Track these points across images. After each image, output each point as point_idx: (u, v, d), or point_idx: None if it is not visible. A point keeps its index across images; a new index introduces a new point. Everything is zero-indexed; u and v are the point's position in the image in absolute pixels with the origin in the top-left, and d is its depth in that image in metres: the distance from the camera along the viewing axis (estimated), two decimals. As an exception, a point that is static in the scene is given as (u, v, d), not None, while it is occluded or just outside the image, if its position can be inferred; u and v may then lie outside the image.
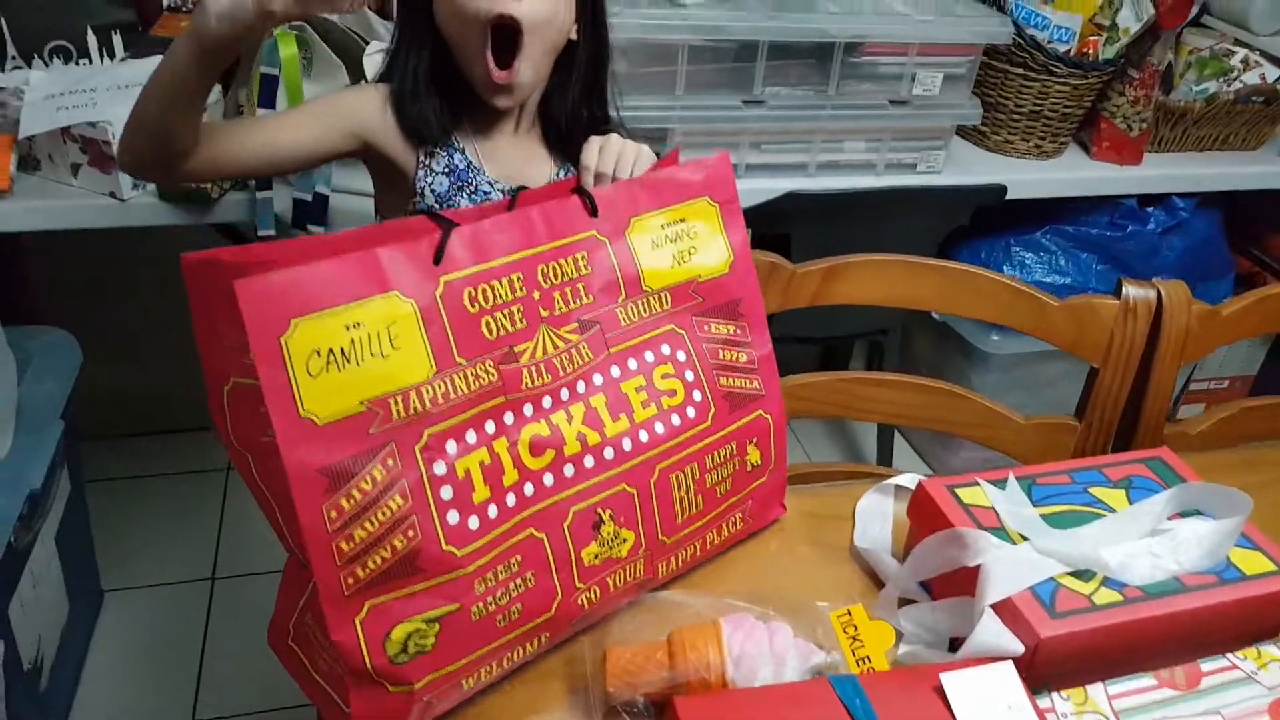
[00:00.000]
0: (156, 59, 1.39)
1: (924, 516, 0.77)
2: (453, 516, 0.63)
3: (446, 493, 0.63)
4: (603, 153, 0.89)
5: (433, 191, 1.01)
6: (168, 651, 1.62)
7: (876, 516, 0.86)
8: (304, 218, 1.45)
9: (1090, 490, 0.78)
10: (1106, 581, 0.69)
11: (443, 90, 1.00)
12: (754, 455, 0.82)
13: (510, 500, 0.67)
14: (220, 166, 0.92)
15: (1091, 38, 1.80)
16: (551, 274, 0.72)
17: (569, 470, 0.70)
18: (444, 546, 0.63)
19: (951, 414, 1.10)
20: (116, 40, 1.48)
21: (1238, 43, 2.07)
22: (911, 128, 1.71)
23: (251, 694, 1.54)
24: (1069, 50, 1.78)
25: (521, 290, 0.69)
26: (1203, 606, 0.68)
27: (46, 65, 1.44)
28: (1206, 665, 0.66)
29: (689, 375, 0.78)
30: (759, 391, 0.83)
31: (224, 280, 0.57)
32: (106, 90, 1.36)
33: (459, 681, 0.66)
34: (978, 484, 0.78)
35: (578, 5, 1.00)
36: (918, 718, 0.60)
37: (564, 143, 1.06)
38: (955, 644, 0.70)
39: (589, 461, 0.71)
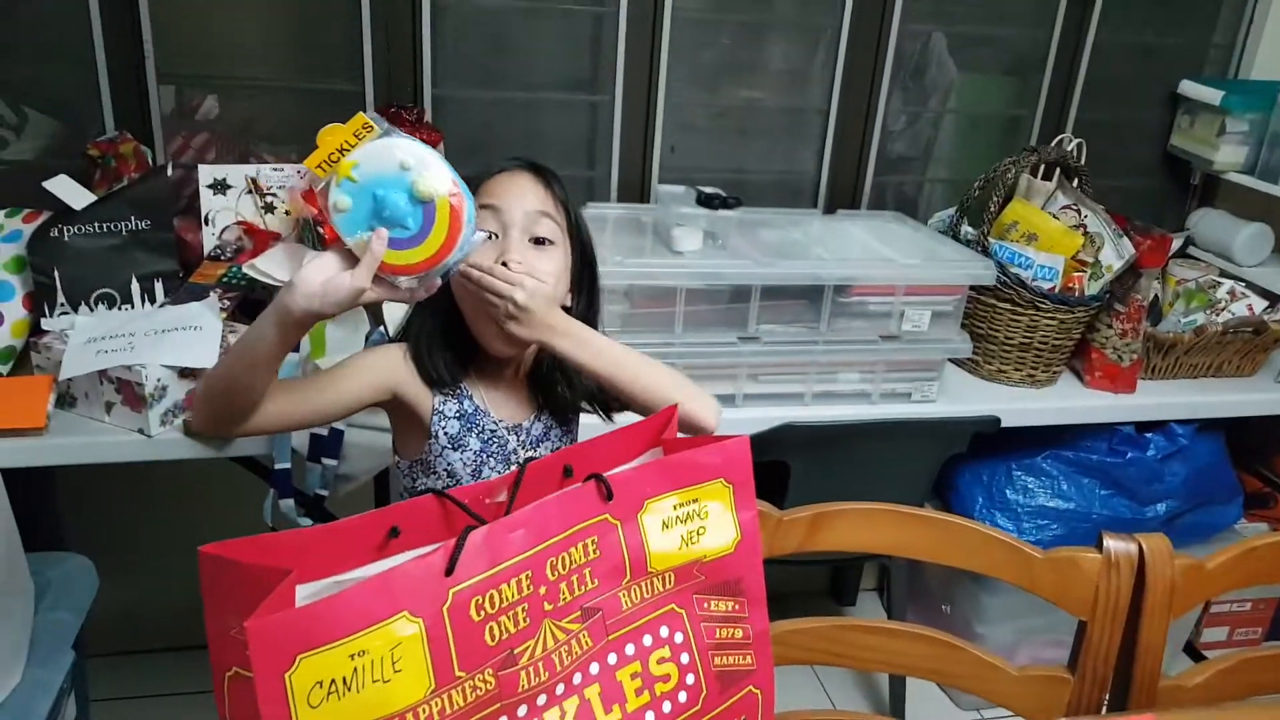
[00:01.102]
0: (192, 304, 1.53)
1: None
2: None
3: None
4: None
5: (446, 434, 1.08)
6: None
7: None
8: (320, 451, 1.52)
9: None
10: None
11: (453, 343, 1.10)
12: None
13: None
14: (277, 422, 1.01)
15: (1076, 274, 1.89)
16: (560, 565, 0.71)
17: None
18: None
19: (947, 665, 1.09)
20: (158, 287, 1.61)
21: (1223, 274, 2.16)
22: (903, 360, 1.79)
23: None
24: (1053, 287, 1.87)
25: (529, 589, 0.69)
26: None
27: (92, 310, 1.56)
28: None
29: (684, 658, 0.78)
30: (751, 667, 0.82)
31: (237, 577, 0.61)
32: (144, 335, 1.46)
33: None
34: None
35: (573, 275, 1.10)
36: None
37: (546, 390, 1.14)
38: None
39: None
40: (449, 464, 1.08)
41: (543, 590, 0.70)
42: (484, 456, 1.09)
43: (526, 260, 1.03)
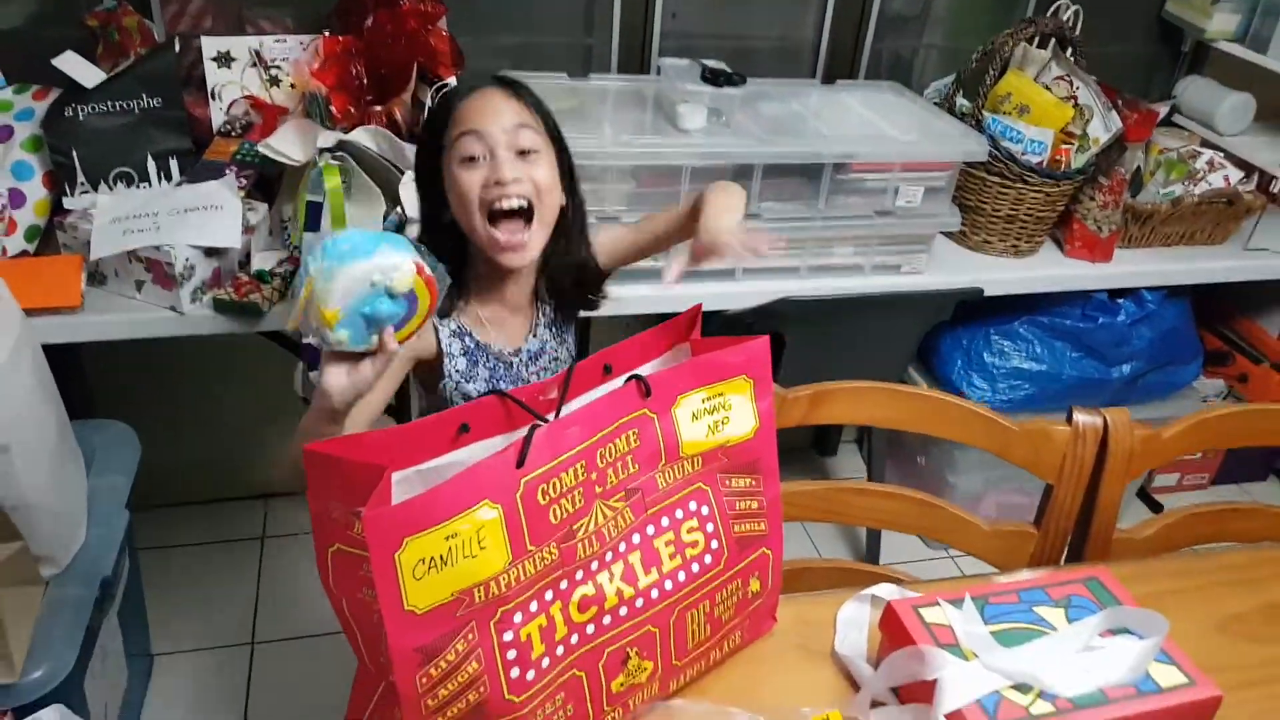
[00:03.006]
0: (210, 183, 1.58)
1: (892, 632, 0.91)
2: (514, 672, 0.77)
3: (511, 654, 0.77)
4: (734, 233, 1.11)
5: (457, 370, 1.14)
6: (214, 712, 1.75)
7: (855, 625, 0.99)
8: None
9: (1035, 609, 0.92)
10: (1042, 694, 0.83)
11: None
12: (754, 585, 0.94)
13: (560, 651, 0.80)
14: None
15: (1063, 146, 1.96)
16: (608, 454, 0.82)
17: (607, 620, 0.83)
18: (506, 696, 0.77)
19: (926, 520, 1.23)
20: (173, 165, 1.64)
21: (1204, 143, 2.23)
22: (896, 234, 1.87)
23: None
24: (1041, 161, 1.93)
25: (583, 475, 0.80)
26: (1123, 715, 0.81)
27: (111, 189, 1.59)
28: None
29: (709, 527, 0.89)
30: (764, 532, 0.95)
31: (337, 470, 0.72)
32: (168, 214, 1.51)
33: None
34: (939, 604, 0.91)
35: (561, 177, 1.13)
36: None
37: (559, 293, 1.20)
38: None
39: (624, 611, 0.83)
40: (465, 394, 1.15)
41: (594, 476, 0.81)
42: (494, 381, 1.16)
43: (519, 172, 1.05)
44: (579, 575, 0.81)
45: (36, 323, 1.37)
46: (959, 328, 2.10)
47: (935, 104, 2.05)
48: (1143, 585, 1.00)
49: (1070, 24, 2.03)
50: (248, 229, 1.57)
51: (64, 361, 1.41)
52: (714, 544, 0.89)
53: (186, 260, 1.48)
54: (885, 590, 1.02)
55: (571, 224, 1.17)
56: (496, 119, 1.06)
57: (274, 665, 1.84)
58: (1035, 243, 2.05)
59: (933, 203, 1.86)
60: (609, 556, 0.83)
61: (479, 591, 0.74)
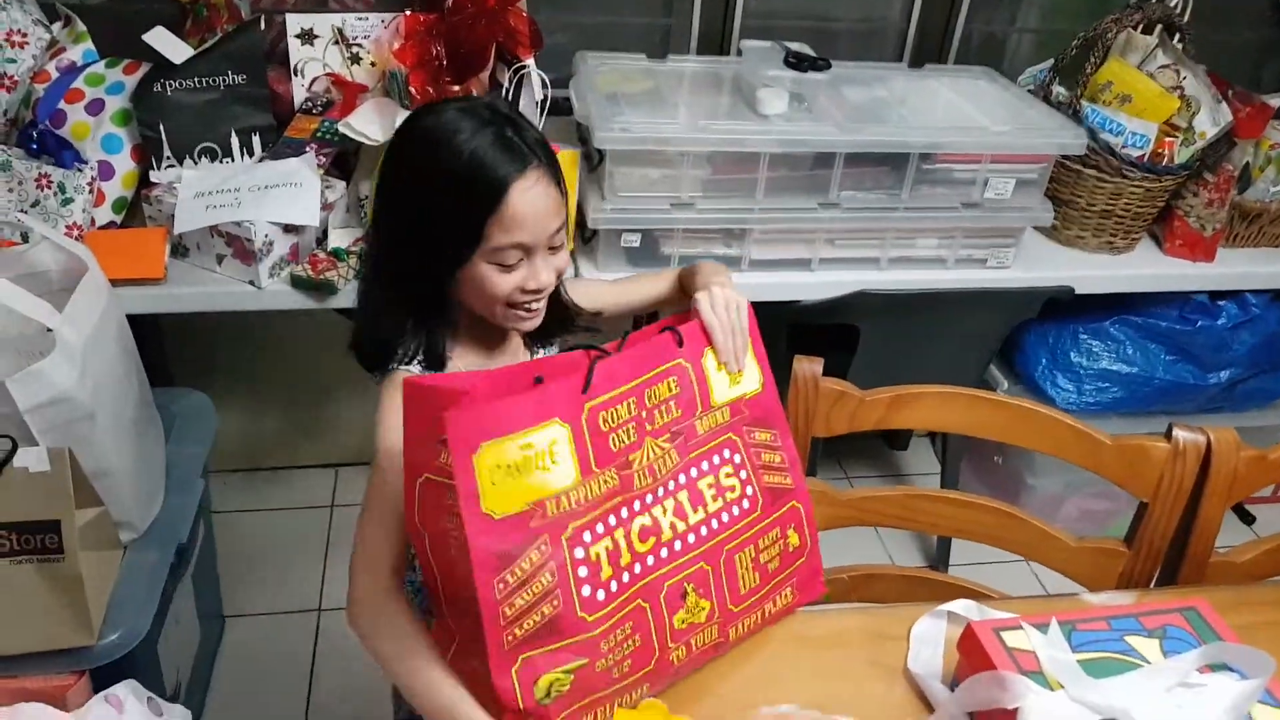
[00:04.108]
0: (291, 160, 1.59)
1: (971, 654, 0.86)
2: (585, 590, 0.81)
3: (583, 572, 0.81)
4: (721, 309, 0.96)
5: None
6: (281, 675, 1.79)
7: (929, 641, 0.95)
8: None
9: (1126, 639, 0.86)
10: (1134, 732, 0.78)
11: (432, 339, 1.00)
12: (793, 538, 0.99)
13: (625, 577, 0.84)
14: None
15: (1167, 139, 1.85)
16: (653, 395, 0.89)
17: (664, 553, 0.87)
18: (578, 613, 0.80)
19: (1007, 532, 1.18)
20: (255, 141, 1.66)
21: (1319, 139, 2.09)
22: (983, 227, 1.79)
23: (359, 711, 1.70)
24: (1143, 155, 1.84)
25: (634, 411, 0.87)
26: (1221, 762, 0.76)
27: (196, 163, 1.62)
28: (1221, 818, 0.74)
29: (743, 475, 0.95)
30: (791, 486, 0.99)
31: (434, 400, 0.76)
32: (249, 191, 1.54)
33: (581, 718, 0.82)
34: (1022, 628, 0.86)
35: None
36: None
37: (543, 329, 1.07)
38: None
39: (678, 545, 0.88)
40: None
41: (643, 414, 0.88)
42: None
43: (551, 275, 0.97)
44: (637, 506, 0.86)
45: (121, 293, 1.39)
46: (1046, 324, 2.01)
47: (1030, 91, 1.96)
48: (1242, 615, 0.94)
49: (1178, 9, 1.92)
50: (325, 206, 1.58)
51: (144, 331, 1.44)
52: (749, 490, 0.95)
53: (266, 236, 1.50)
54: (962, 606, 0.98)
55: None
56: (545, 223, 0.94)
57: (340, 632, 1.86)
58: (1132, 239, 1.95)
59: (1024, 196, 1.78)
60: (661, 492, 0.88)
61: (551, 504, 0.79)
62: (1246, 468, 1.09)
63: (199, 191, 1.53)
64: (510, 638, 0.77)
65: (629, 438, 0.86)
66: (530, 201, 0.92)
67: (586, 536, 0.82)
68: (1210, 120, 1.86)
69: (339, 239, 1.59)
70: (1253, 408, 2.11)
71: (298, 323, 1.78)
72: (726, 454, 0.94)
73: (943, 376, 1.21)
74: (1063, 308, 1.94)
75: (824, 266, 1.77)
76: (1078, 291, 1.84)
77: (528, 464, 0.78)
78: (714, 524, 0.91)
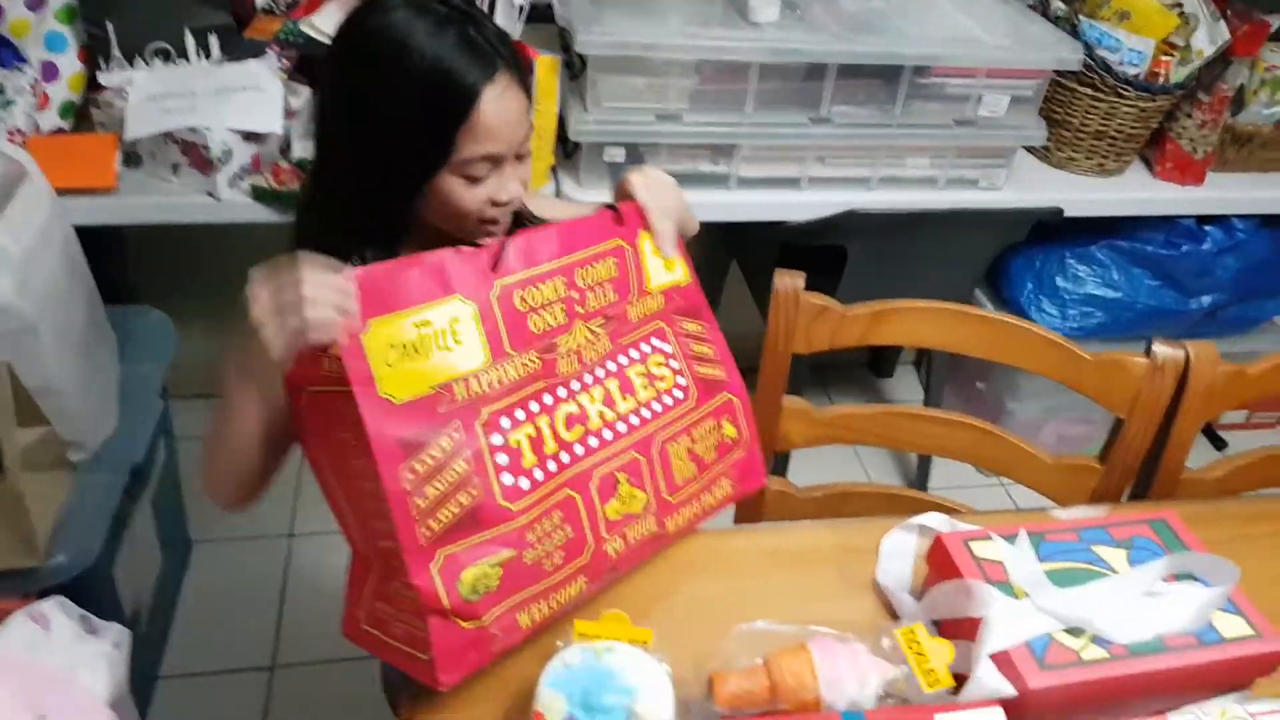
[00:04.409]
0: (250, 63, 1.52)
1: (940, 565, 0.87)
2: (506, 479, 0.78)
3: (501, 459, 0.78)
4: (657, 190, 0.95)
5: None
6: (250, 599, 1.78)
7: (899, 554, 0.96)
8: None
9: (1094, 549, 0.87)
10: (1096, 638, 0.79)
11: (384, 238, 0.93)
12: (729, 429, 0.97)
13: (551, 466, 0.81)
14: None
15: (1164, 58, 1.82)
16: (588, 275, 0.86)
17: (593, 441, 0.85)
18: (500, 503, 0.77)
19: (986, 450, 1.18)
20: (213, 41, 1.55)
21: (1316, 61, 2.05)
22: (975, 146, 1.76)
23: (328, 642, 1.68)
24: (1139, 73, 1.80)
25: (563, 291, 0.84)
26: (1180, 666, 0.77)
27: (148, 65, 1.52)
28: (1174, 718, 0.76)
29: (674, 364, 0.94)
30: (724, 378, 0.98)
31: None
32: (205, 95, 1.46)
33: (515, 617, 0.79)
34: (991, 538, 0.87)
35: None
36: (915, 751, 0.71)
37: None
38: (961, 680, 0.80)
39: (608, 434, 0.86)
40: None
41: (575, 295, 0.85)
42: None
43: (517, 187, 0.91)
44: (562, 392, 0.84)
45: (69, 203, 1.33)
46: (1032, 248, 2.00)
47: (1030, 7, 1.91)
48: (1211, 529, 0.95)
49: (1183, -79, 1.86)
50: (289, 113, 1.51)
51: (103, 246, 1.38)
52: (681, 380, 0.94)
53: (224, 144, 1.44)
54: (933, 520, 0.99)
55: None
56: (513, 131, 0.88)
57: (311, 557, 1.87)
58: (1123, 162, 1.93)
59: (1018, 114, 1.74)
60: (589, 379, 0.86)
61: (460, 387, 0.76)
62: (1224, 383, 1.09)
63: (152, 95, 1.45)
64: (426, 532, 0.73)
65: (555, 320, 0.83)
66: (501, 110, 0.85)
67: (505, 422, 0.79)
68: (1207, 38, 1.82)
69: (304, 149, 1.52)
70: (1234, 333, 2.12)
71: (264, 238, 1.74)
72: (657, 342, 0.93)
73: (928, 299, 1.19)
74: (1050, 232, 1.93)
75: (813, 186, 1.74)
76: (1067, 214, 1.82)
77: (425, 344, 0.74)
78: (645, 413, 0.89)
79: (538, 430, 0.81)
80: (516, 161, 0.91)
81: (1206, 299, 2.00)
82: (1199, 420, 1.10)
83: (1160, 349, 1.08)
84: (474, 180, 0.88)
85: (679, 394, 0.93)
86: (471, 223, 0.91)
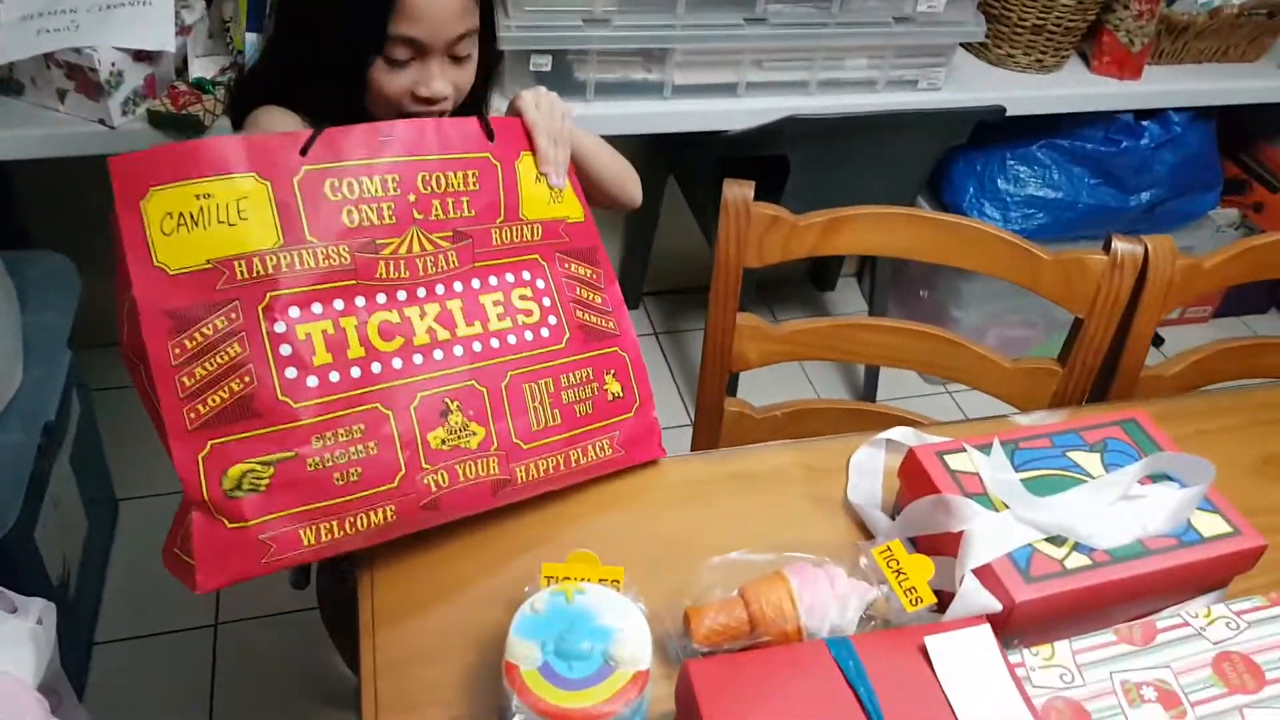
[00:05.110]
0: None
1: (914, 480, 0.84)
2: (290, 372, 0.73)
3: (285, 350, 0.73)
4: (546, 110, 0.90)
5: None
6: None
7: (868, 471, 0.93)
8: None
9: (1068, 454, 0.85)
10: (1078, 546, 0.77)
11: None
12: (614, 386, 0.90)
13: (355, 372, 0.75)
14: None
15: (1100, -55, 1.77)
16: (435, 183, 0.80)
17: (418, 359, 0.78)
18: (279, 396, 0.72)
19: (942, 357, 1.15)
20: (94, -50, 1.43)
21: (1247, -53, 2.03)
22: (915, 44, 1.71)
23: (269, 594, 1.62)
24: (1076, -38, 1.75)
25: (395, 190, 0.78)
26: (1163, 569, 0.76)
27: (19, -23, 1.38)
28: (1161, 623, 0.74)
29: (545, 301, 0.87)
30: (614, 331, 0.92)
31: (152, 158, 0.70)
32: (87, 12, 1.33)
33: (297, 532, 0.73)
34: (965, 450, 0.84)
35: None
36: (904, 675, 0.68)
37: None
38: (942, 596, 0.78)
39: (438, 355, 0.80)
40: None
41: (412, 198, 0.79)
42: None
43: (448, 86, 0.92)
44: (381, 299, 0.78)
45: None
46: (972, 151, 1.96)
47: (963, -105, 1.84)
48: (1176, 426, 0.93)
49: None
50: (182, 30, 1.39)
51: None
52: (551, 319, 0.87)
53: (113, 65, 1.32)
54: (901, 434, 0.95)
55: (480, 66, 0.99)
56: (442, 22, 0.89)
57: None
58: (1061, 57, 1.89)
59: (956, 9, 1.68)
60: (422, 293, 0.80)
61: (240, 266, 0.71)
62: (1182, 277, 1.07)
63: (26, 14, 1.32)
64: (193, 414, 0.70)
65: (378, 218, 0.77)
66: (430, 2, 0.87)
67: (293, 311, 0.73)
68: (1145, -76, 1.77)
69: (202, 68, 1.41)
70: (1171, 229, 2.12)
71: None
72: (526, 275, 0.86)
73: (872, 206, 1.15)
74: (990, 134, 1.89)
75: (751, 92, 1.67)
76: (1008, 113, 1.78)
77: (206, 215, 0.70)
78: (494, 343, 0.82)
79: (339, 330, 0.75)
80: (450, 63, 0.91)
81: (1145, 195, 2.00)
82: (1158, 316, 1.09)
83: (1120, 244, 1.06)
84: (396, 65, 0.89)
85: (546, 333, 0.86)
86: (393, 112, 0.92)
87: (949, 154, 1.91)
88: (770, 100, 1.67)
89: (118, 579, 1.66)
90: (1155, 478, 0.83)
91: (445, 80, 0.91)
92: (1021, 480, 0.81)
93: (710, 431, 1.21)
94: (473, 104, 1.01)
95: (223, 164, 0.71)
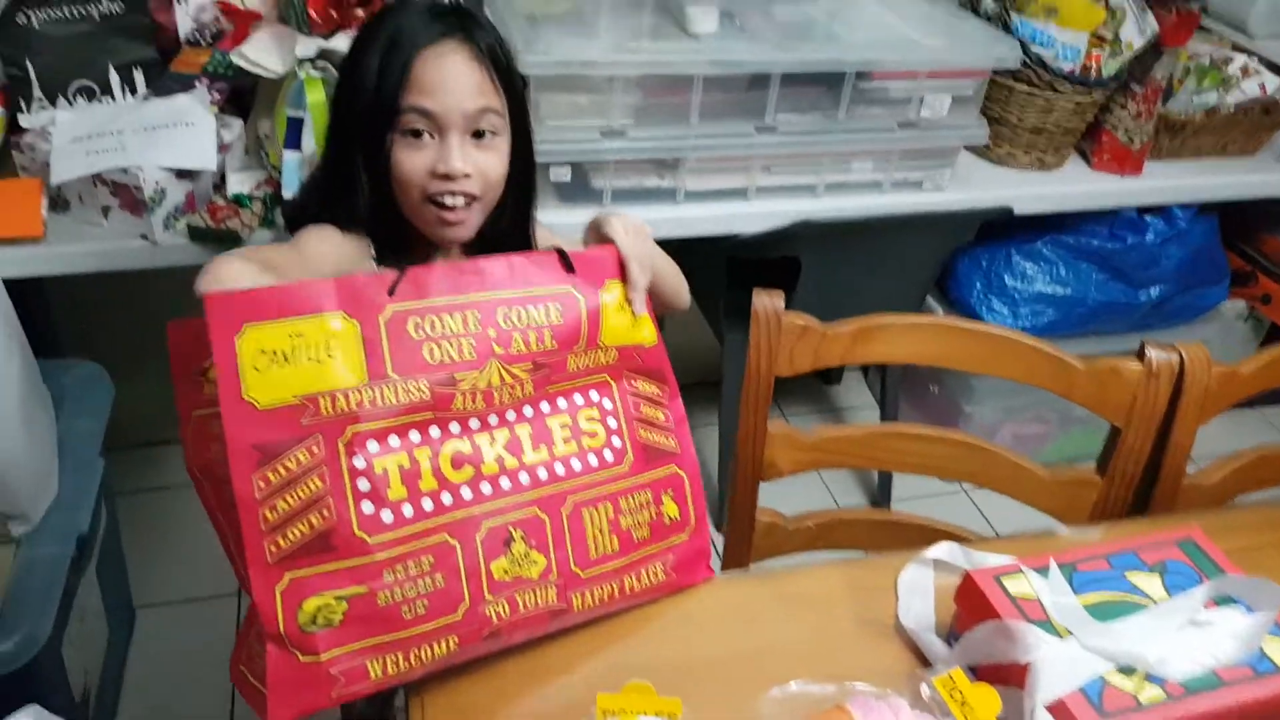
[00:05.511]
0: (180, 97, 1.42)
1: (972, 604, 0.81)
2: (367, 507, 0.73)
3: (363, 485, 0.73)
4: (638, 238, 0.91)
5: None
6: (200, 666, 1.64)
7: (919, 592, 0.90)
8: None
9: (1127, 576, 0.83)
10: (1149, 676, 0.74)
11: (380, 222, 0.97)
12: (671, 508, 0.89)
13: (427, 505, 0.75)
14: None
15: (1095, 51, 1.82)
16: (515, 317, 0.81)
17: (486, 488, 0.78)
18: (356, 531, 0.72)
19: (977, 466, 1.13)
20: (138, 76, 1.47)
21: (1235, 47, 2.09)
22: (919, 148, 1.73)
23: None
24: (1074, 68, 1.80)
25: (476, 327, 0.79)
26: (1242, 702, 0.73)
27: (71, 104, 1.43)
28: (1243, 759, 0.71)
29: (611, 423, 0.87)
30: (675, 449, 0.91)
31: (199, 326, 0.71)
32: (134, 133, 1.36)
33: (365, 664, 0.73)
34: (1022, 572, 0.81)
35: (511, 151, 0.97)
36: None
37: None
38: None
39: (505, 483, 0.79)
40: None
41: (492, 333, 0.79)
42: None
43: (470, 165, 0.91)
44: (455, 428, 0.78)
45: None
46: (978, 248, 1.98)
47: (959, 5, 1.89)
48: (1229, 539, 0.91)
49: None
50: (222, 147, 1.42)
51: (26, 297, 1.28)
52: (615, 441, 0.86)
53: (156, 183, 1.34)
54: (949, 553, 0.93)
55: (516, 186, 0.99)
56: (456, 95, 0.89)
57: (264, 615, 1.75)
58: (1061, 155, 1.93)
59: (959, 113, 1.72)
60: (493, 420, 0.80)
61: (325, 401, 0.72)
62: (1219, 384, 1.06)
63: (77, 136, 1.35)
64: (274, 548, 0.70)
65: (458, 354, 0.77)
66: (442, 67, 0.89)
67: (372, 446, 0.74)
68: (1137, 30, 1.82)
69: (240, 183, 1.44)
70: (1181, 323, 2.14)
71: (191, 278, 1.61)
72: (595, 395, 0.86)
73: (884, 306, 1.15)
74: (995, 230, 1.92)
75: (761, 196, 1.69)
76: (1015, 212, 1.80)
77: (296, 353, 0.72)
78: (558, 468, 0.82)
79: (414, 462, 0.75)
80: (472, 142, 0.91)
81: (1154, 290, 2.01)
82: (1196, 425, 1.07)
83: (1154, 353, 1.05)
84: (413, 139, 0.90)
85: (609, 455, 0.85)
86: (419, 198, 0.92)
87: (954, 250, 1.92)
88: (779, 203, 1.69)
89: (133, 688, 1.62)
90: (1220, 601, 0.81)
91: (465, 158, 0.91)
92: (1084, 605, 0.79)
93: (742, 543, 1.18)
94: (517, 223, 1.02)
95: (315, 304, 0.73)
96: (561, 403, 0.84)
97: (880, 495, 2.13)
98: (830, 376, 2.50)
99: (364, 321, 0.74)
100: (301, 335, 0.72)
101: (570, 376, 0.84)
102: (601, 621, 0.86)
